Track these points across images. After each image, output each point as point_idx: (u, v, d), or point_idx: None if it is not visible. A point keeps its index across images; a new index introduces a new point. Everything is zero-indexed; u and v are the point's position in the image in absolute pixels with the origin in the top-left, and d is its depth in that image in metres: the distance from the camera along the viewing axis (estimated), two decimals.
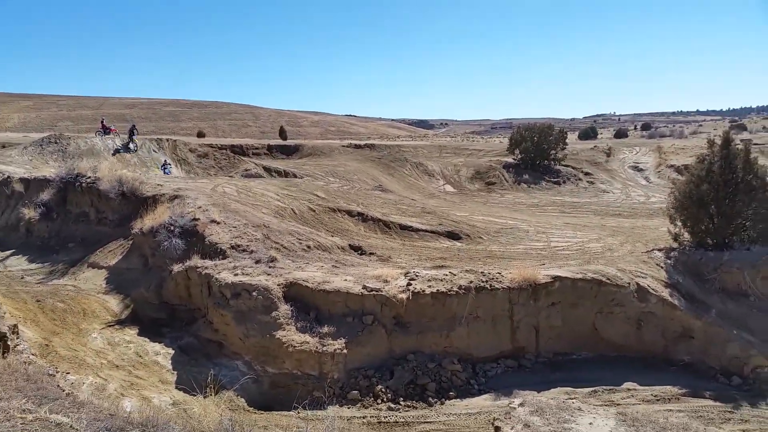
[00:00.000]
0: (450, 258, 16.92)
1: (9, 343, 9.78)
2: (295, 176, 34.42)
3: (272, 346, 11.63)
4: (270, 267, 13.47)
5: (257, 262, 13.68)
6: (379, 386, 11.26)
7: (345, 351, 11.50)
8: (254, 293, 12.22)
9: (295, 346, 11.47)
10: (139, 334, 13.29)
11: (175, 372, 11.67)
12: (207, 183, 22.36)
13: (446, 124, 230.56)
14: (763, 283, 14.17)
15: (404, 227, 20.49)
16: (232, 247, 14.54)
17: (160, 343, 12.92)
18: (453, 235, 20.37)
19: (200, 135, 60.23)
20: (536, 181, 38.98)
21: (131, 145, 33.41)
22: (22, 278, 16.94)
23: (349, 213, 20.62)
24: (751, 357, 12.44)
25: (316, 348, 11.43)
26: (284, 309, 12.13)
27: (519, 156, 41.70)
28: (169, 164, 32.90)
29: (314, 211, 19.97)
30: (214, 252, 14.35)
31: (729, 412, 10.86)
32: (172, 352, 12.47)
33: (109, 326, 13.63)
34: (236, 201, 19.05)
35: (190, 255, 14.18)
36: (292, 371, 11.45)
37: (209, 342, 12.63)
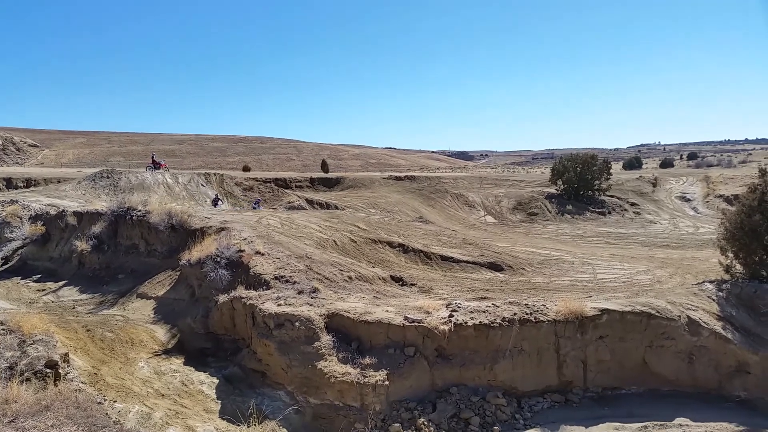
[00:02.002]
0: (492, 289, 16.73)
1: (60, 371, 10.11)
2: (336, 208, 34.82)
3: (314, 377, 11.65)
4: (312, 297, 13.58)
5: (300, 292, 13.82)
6: (422, 419, 11.10)
7: (387, 383, 11.41)
8: (297, 323, 12.31)
9: (336, 377, 11.46)
10: (185, 364, 13.49)
11: (220, 401, 11.78)
12: (252, 215, 22.84)
13: (486, 155, 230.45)
14: None
15: (445, 258, 20.41)
16: (276, 278, 14.74)
17: (205, 372, 13.07)
18: (495, 267, 20.17)
19: (246, 169, 61.81)
20: (580, 211, 38.38)
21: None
22: (73, 308, 17.51)
23: (390, 244, 20.69)
24: None
25: (358, 379, 11.38)
26: (326, 339, 12.17)
27: (562, 186, 41.24)
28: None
29: (355, 242, 20.11)
30: (259, 283, 14.56)
31: None
32: (217, 381, 12.60)
33: (156, 355, 13.90)
34: (279, 233, 19.37)
35: (235, 285, 14.43)
36: (334, 402, 11.41)
37: (253, 372, 12.74)
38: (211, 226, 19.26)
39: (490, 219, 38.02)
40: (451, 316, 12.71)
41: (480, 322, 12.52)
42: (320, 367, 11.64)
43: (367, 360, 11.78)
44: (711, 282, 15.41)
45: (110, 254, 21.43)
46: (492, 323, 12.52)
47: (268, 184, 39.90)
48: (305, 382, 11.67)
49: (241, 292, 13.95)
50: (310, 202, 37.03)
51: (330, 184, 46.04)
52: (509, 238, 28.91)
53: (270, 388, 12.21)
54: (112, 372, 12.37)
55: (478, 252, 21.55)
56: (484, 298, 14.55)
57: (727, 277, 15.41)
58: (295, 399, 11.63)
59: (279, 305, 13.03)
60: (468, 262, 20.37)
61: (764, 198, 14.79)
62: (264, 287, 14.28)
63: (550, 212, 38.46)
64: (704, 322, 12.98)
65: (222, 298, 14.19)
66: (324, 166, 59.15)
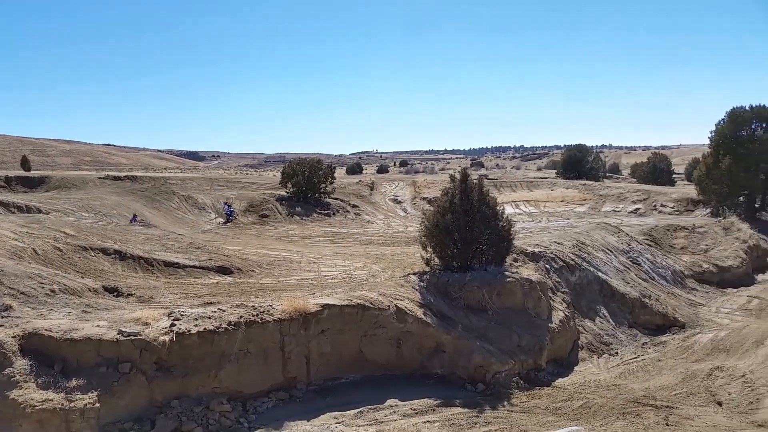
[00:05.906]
0: (220, 294, 16.40)
1: None
2: (39, 212, 30.39)
3: (6, 409, 9.95)
4: (3, 317, 11.62)
5: None
6: None
7: (97, 405, 10.33)
8: None
9: (35, 406, 9.98)
10: None
11: None
12: None
13: (218, 156, 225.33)
14: (498, 298, 16.31)
15: (169, 264, 19.34)
16: None
17: None
18: (224, 270, 19.80)
19: None
20: (308, 213, 39.96)
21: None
22: None
23: (104, 251, 18.84)
24: (491, 364, 14.22)
25: (62, 405, 10.08)
26: (21, 364, 10.52)
27: (291, 189, 42.47)
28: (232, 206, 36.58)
29: (61, 250, 17.83)
30: None
31: (475, 416, 12.18)
32: None
33: None
34: None
35: None
36: None
37: None
38: None
39: (221, 221, 37.26)
40: (173, 325, 12.09)
41: (205, 328, 12.17)
42: (13, 397, 10.01)
43: (74, 382, 10.52)
44: (415, 274, 17.46)
45: None
46: (218, 328, 12.28)
47: None
48: None
49: None
50: (5, 205, 31.58)
51: (32, 184, 40.06)
52: (240, 241, 28.70)
53: None
54: None
55: (206, 256, 20.93)
56: (211, 303, 14.17)
57: (427, 269, 17.61)
58: None
59: None
60: (195, 267, 19.62)
61: (454, 200, 17.27)
62: None
63: (281, 214, 39.25)
64: (409, 310, 14.66)
65: None
66: (25, 164, 51.06)
